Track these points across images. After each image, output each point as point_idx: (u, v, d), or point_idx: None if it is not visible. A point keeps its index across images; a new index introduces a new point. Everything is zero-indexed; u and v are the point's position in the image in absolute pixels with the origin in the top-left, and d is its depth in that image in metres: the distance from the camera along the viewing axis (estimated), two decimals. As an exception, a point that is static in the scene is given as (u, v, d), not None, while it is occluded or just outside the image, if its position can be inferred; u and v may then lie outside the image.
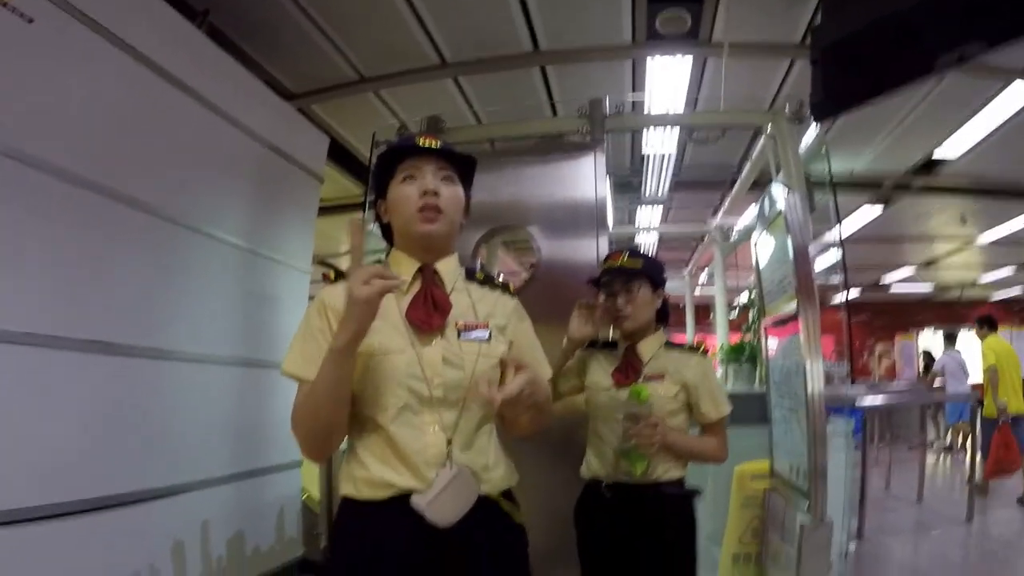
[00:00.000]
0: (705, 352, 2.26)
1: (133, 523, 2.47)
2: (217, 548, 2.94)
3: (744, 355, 4.55)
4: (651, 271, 2.20)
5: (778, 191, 2.58)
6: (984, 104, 4.87)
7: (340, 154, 5.32)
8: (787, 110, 3.11)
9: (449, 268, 1.51)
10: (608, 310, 2.19)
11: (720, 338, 5.74)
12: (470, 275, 1.58)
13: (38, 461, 2.10)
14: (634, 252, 2.23)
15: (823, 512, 2.18)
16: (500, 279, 1.63)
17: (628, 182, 6.55)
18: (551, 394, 1.63)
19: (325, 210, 6.25)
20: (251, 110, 3.23)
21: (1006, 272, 12.35)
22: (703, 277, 8.33)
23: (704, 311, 7.45)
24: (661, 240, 8.57)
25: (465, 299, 1.50)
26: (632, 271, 2.17)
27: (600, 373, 2.23)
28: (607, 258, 2.27)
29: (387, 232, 1.57)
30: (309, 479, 3.71)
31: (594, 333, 2.22)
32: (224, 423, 3.06)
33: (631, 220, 7.92)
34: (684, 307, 7.77)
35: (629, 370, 2.16)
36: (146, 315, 2.59)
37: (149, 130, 2.61)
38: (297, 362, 1.38)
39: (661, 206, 7.39)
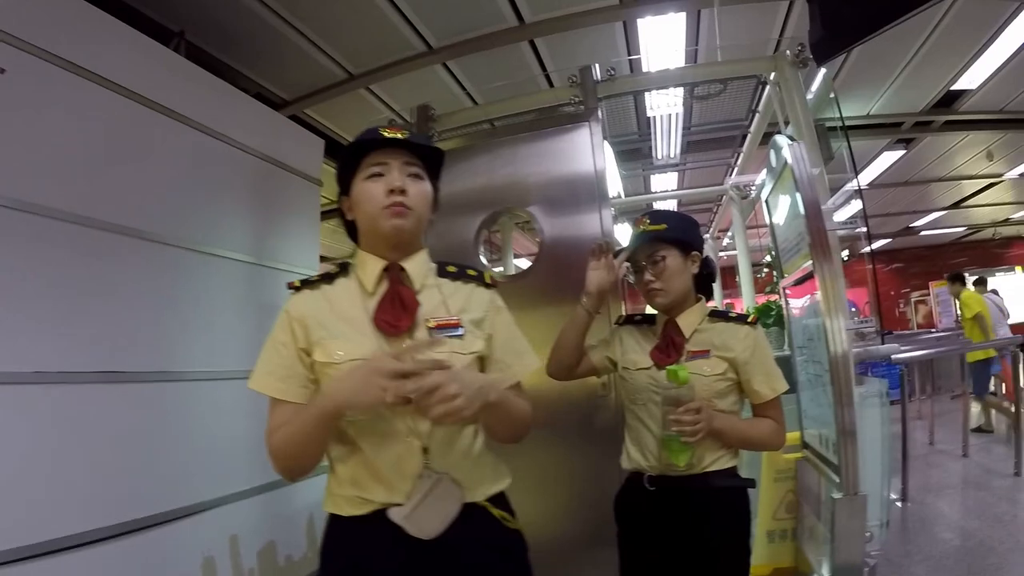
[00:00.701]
0: (755, 322, 1.96)
1: (162, 544, 2.52)
2: (248, 561, 2.96)
3: (772, 317, 4.38)
4: (679, 233, 1.91)
5: (783, 143, 2.44)
6: (1000, 30, 4.62)
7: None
8: (788, 54, 2.94)
9: (417, 265, 1.43)
10: (639, 286, 1.96)
11: (746, 301, 5.58)
12: (442, 270, 1.50)
13: (64, 494, 2.17)
14: (657, 214, 1.96)
15: (855, 485, 2.05)
16: (474, 270, 1.54)
17: (638, 148, 6.38)
18: (523, 400, 1.47)
19: (333, 212, 6.26)
20: (239, 124, 3.22)
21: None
22: (726, 239, 8.17)
23: (731, 274, 7.27)
24: (679, 205, 8.39)
25: (436, 296, 1.42)
26: (656, 236, 1.89)
27: (637, 351, 1.98)
28: (633, 226, 2.01)
29: (351, 230, 1.48)
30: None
31: (614, 279, 1.94)
32: (245, 437, 3.00)
33: (647, 188, 7.76)
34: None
35: (670, 347, 1.89)
36: (156, 340, 2.64)
37: (138, 159, 2.63)
38: (261, 378, 1.34)
39: (675, 170, 7.21)
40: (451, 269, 1.51)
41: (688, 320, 1.92)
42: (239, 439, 2.97)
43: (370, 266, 1.39)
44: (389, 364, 1.16)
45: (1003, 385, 7.48)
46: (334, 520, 1.35)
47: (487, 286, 1.53)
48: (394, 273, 1.39)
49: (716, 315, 1.97)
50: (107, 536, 2.28)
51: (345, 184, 1.43)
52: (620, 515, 1.99)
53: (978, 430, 6.63)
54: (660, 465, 1.85)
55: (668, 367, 1.78)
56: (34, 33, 2.21)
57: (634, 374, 1.95)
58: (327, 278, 1.43)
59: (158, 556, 2.49)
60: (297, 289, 1.42)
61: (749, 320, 1.96)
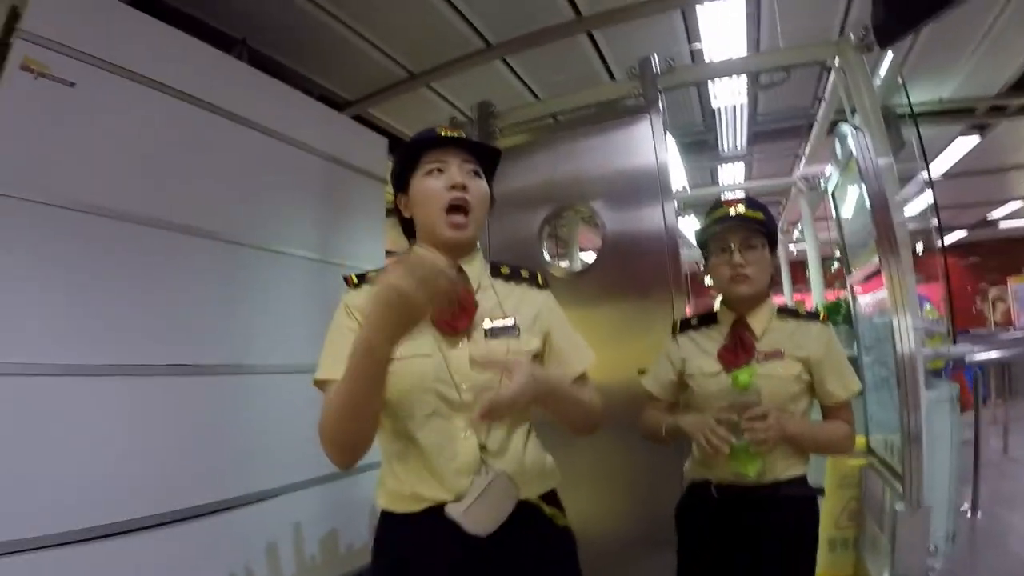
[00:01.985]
0: (826, 319, 1.87)
1: (228, 528, 2.64)
2: (311, 547, 3.04)
3: (842, 314, 4.24)
4: (772, 227, 1.83)
5: (848, 132, 2.36)
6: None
7: (405, 152, 5.32)
8: (852, 38, 2.84)
9: (474, 266, 1.45)
10: (724, 267, 1.83)
11: (816, 297, 5.45)
12: (495, 270, 1.51)
13: (137, 479, 2.31)
14: (753, 201, 1.86)
15: (919, 497, 1.96)
16: (527, 271, 1.55)
17: (704, 140, 6.28)
18: (589, 391, 1.46)
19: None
20: (303, 126, 3.30)
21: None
22: (796, 232, 7.96)
23: (800, 268, 7.08)
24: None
25: (491, 297, 1.43)
26: (754, 222, 1.79)
27: (702, 357, 1.87)
28: (717, 206, 1.89)
29: (407, 227, 1.50)
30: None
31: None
32: (310, 428, 3.07)
33: (714, 180, 7.64)
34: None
35: (740, 349, 1.80)
36: (226, 335, 2.76)
37: (206, 163, 2.75)
38: (332, 366, 1.28)
39: (742, 161, 7.07)
40: (504, 270, 1.52)
41: (759, 319, 1.84)
42: (304, 430, 3.00)
43: None
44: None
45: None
46: (387, 516, 1.36)
47: (539, 287, 1.54)
48: None
49: (785, 312, 1.89)
50: (178, 519, 2.41)
51: (402, 182, 1.45)
52: (682, 523, 1.92)
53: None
54: (729, 474, 1.76)
55: (733, 372, 1.72)
56: (100, 48, 2.34)
57: (701, 381, 1.86)
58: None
59: (225, 539, 2.61)
60: (355, 284, 1.42)
61: (820, 318, 1.88)
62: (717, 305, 1.97)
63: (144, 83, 2.49)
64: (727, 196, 6.93)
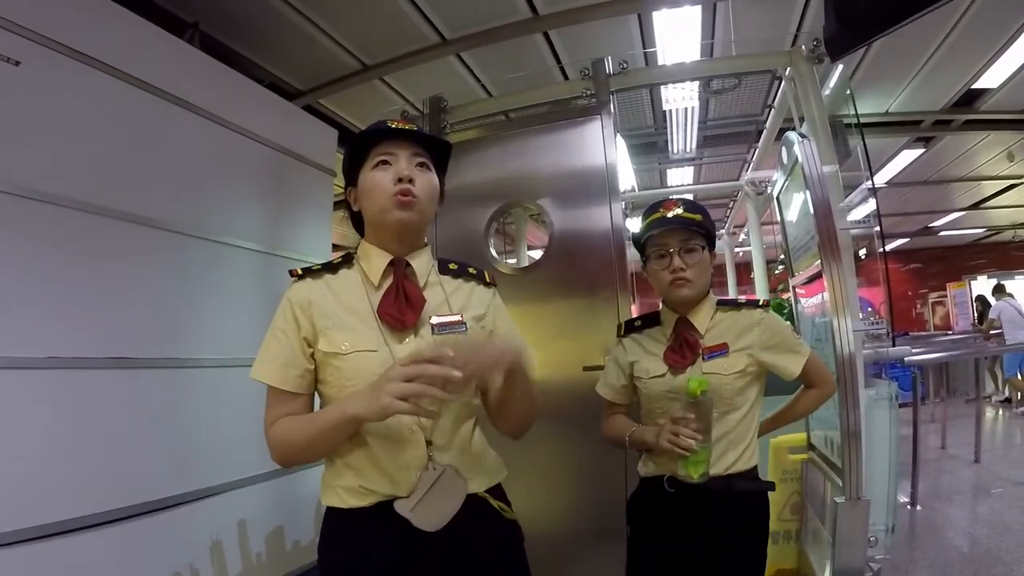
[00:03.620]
0: (767, 305, 1.86)
1: (171, 527, 2.57)
2: (256, 545, 3.00)
3: (783, 316, 4.34)
4: (710, 228, 1.81)
5: (794, 139, 2.41)
6: (1021, 28, 4.53)
7: (355, 144, 5.28)
8: (803, 49, 2.89)
9: (422, 262, 1.43)
10: (663, 271, 1.80)
11: (760, 298, 5.55)
12: (443, 267, 1.50)
13: (75, 477, 2.23)
14: (691, 203, 1.83)
15: (858, 490, 2.02)
16: (474, 269, 1.54)
17: (654, 142, 6.33)
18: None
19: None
20: (253, 114, 3.25)
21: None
22: (742, 235, 8.11)
23: (746, 270, 7.22)
24: (695, 199, 8.30)
25: (439, 293, 1.42)
26: (693, 224, 1.76)
27: (648, 359, 1.85)
28: (654, 209, 1.86)
29: (357, 222, 1.48)
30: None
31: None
32: (254, 423, 3.03)
33: (663, 182, 7.71)
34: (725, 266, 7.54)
35: (684, 348, 1.78)
36: (168, 328, 2.68)
37: (151, 149, 2.68)
38: (261, 366, 1.33)
39: (690, 164, 7.17)
40: (452, 267, 1.50)
41: (701, 316, 1.82)
42: (248, 426, 2.96)
43: (375, 259, 1.39)
44: (396, 369, 1.14)
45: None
46: (333, 512, 1.34)
47: (487, 285, 1.54)
48: (400, 268, 1.38)
49: (726, 304, 1.87)
50: (117, 518, 2.34)
51: (352, 175, 1.43)
52: (634, 515, 1.91)
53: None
54: (678, 472, 1.73)
55: (690, 379, 1.66)
56: (49, 26, 2.26)
57: (648, 383, 1.84)
58: (330, 268, 1.42)
59: (167, 538, 2.54)
60: (299, 277, 1.40)
61: (760, 304, 1.87)
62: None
63: (93, 65, 2.42)
64: (672, 198, 7.03)
